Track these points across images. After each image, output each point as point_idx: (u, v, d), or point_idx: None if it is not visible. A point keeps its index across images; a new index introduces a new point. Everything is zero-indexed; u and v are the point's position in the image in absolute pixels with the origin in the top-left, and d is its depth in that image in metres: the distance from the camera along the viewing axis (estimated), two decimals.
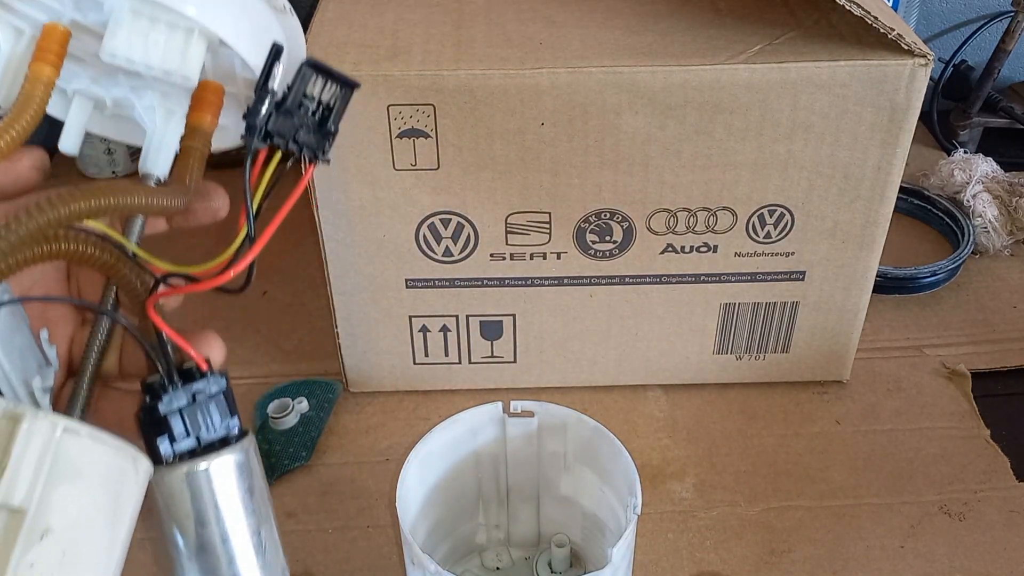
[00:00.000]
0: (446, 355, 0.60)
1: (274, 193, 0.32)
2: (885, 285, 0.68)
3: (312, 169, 0.32)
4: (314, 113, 0.31)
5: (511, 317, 0.58)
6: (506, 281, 0.56)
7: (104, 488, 0.28)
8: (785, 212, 0.54)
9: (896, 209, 0.55)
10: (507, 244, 0.54)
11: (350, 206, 0.53)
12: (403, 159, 0.51)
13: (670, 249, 0.55)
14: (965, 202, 0.74)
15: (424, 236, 0.54)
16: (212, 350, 0.32)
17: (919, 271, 0.69)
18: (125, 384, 0.34)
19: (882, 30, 0.47)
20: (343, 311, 0.57)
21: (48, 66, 0.30)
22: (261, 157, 0.31)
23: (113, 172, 0.83)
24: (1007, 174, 0.76)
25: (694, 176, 0.52)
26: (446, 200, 0.53)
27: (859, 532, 0.52)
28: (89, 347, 0.32)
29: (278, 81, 0.31)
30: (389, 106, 0.49)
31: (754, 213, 0.54)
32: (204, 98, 0.32)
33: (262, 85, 0.30)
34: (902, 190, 0.65)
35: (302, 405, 0.59)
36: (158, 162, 0.33)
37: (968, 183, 0.74)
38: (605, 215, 0.53)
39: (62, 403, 0.33)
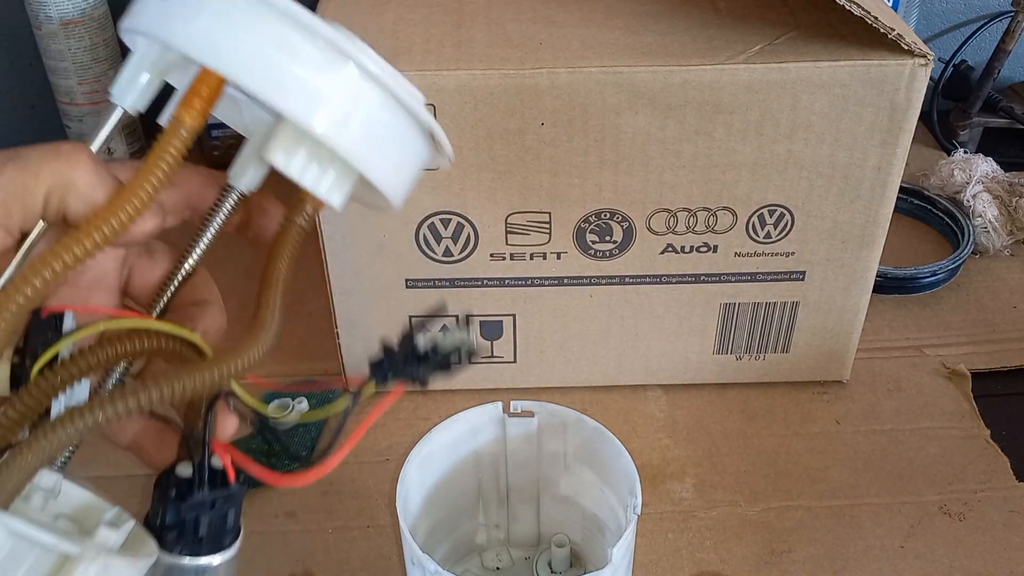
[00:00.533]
0: None
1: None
2: (885, 285, 0.68)
3: (401, 392, 0.34)
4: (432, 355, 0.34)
5: (511, 317, 0.58)
6: (506, 281, 0.56)
7: None
8: (785, 212, 0.54)
9: (896, 209, 0.55)
10: (507, 244, 0.54)
11: (350, 206, 0.52)
12: None
13: (670, 249, 0.55)
14: (965, 202, 0.74)
15: (424, 236, 0.54)
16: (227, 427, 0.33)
17: (919, 271, 0.69)
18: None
19: (882, 30, 0.47)
20: (343, 311, 0.57)
21: (193, 114, 0.29)
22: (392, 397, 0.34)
23: None
24: (1007, 174, 0.76)
25: (694, 176, 0.52)
26: (446, 200, 0.53)
27: (859, 532, 0.52)
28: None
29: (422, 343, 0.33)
30: None
31: (754, 213, 0.54)
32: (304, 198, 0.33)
33: (409, 350, 0.33)
34: (902, 190, 0.65)
35: (302, 405, 0.59)
36: (245, 177, 0.32)
37: (968, 183, 0.74)
38: (605, 215, 0.53)
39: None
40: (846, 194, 0.53)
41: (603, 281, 0.56)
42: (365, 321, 0.58)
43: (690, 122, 0.50)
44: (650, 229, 0.54)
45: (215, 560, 0.31)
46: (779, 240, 0.55)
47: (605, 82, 0.49)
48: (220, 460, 0.31)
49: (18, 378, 0.29)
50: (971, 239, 0.71)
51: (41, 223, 0.30)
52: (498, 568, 0.51)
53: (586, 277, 0.56)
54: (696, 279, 0.56)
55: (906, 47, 0.48)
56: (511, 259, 0.55)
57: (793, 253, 0.55)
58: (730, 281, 0.56)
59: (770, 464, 0.56)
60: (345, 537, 0.53)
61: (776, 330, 0.59)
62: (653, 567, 0.50)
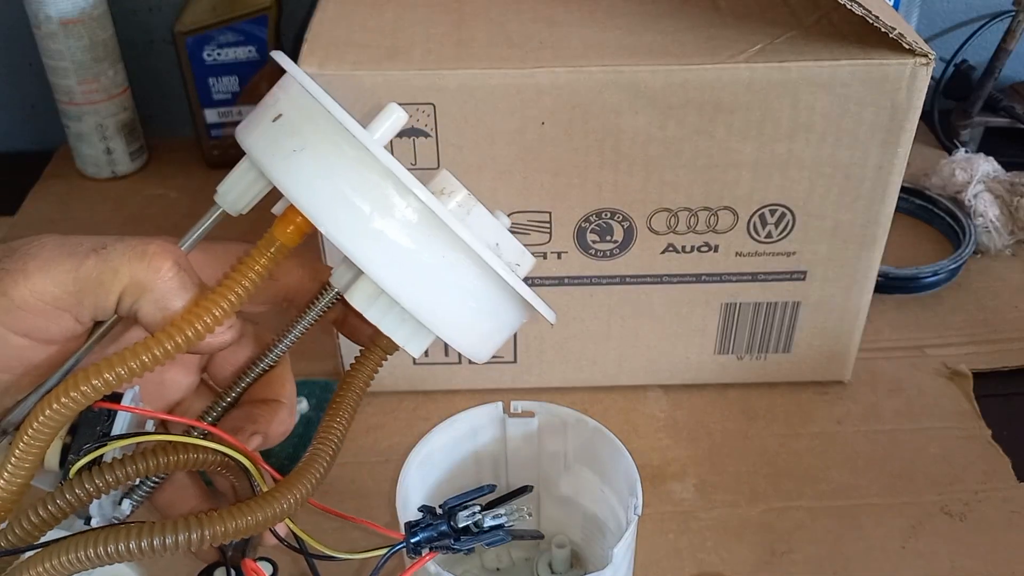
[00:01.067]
0: (446, 355, 0.59)
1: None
2: (886, 285, 0.68)
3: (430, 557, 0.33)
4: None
5: None
6: None
7: None
8: (786, 212, 0.53)
9: (897, 209, 0.55)
10: None
11: None
12: (403, 159, 0.51)
13: (671, 249, 0.55)
14: (966, 202, 0.74)
15: None
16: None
17: (920, 271, 0.68)
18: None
19: (883, 29, 0.47)
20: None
21: (287, 235, 0.30)
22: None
23: (113, 172, 0.83)
24: (1008, 174, 0.76)
25: (695, 176, 0.52)
26: None
27: (860, 532, 0.52)
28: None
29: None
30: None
31: (755, 213, 0.53)
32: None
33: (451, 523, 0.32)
34: (903, 190, 0.65)
35: (302, 405, 0.59)
36: (346, 279, 0.32)
37: (969, 183, 0.74)
38: (606, 215, 0.53)
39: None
40: (847, 194, 0.53)
41: (603, 281, 0.56)
42: None
43: (691, 122, 0.50)
44: (651, 229, 0.54)
45: None
46: (780, 240, 0.55)
47: (605, 82, 0.48)
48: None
49: (66, 459, 0.29)
50: (972, 239, 0.71)
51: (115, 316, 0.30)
52: (498, 568, 0.51)
53: (586, 277, 0.56)
54: (697, 279, 0.56)
55: (907, 46, 0.48)
56: None
57: (794, 253, 0.55)
58: (731, 281, 0.56)
59: (771, 464, 0.56)
60: (345, 537, 0.52)
61: (777, 330, 0.59)
62: (653, 567, 0.50)
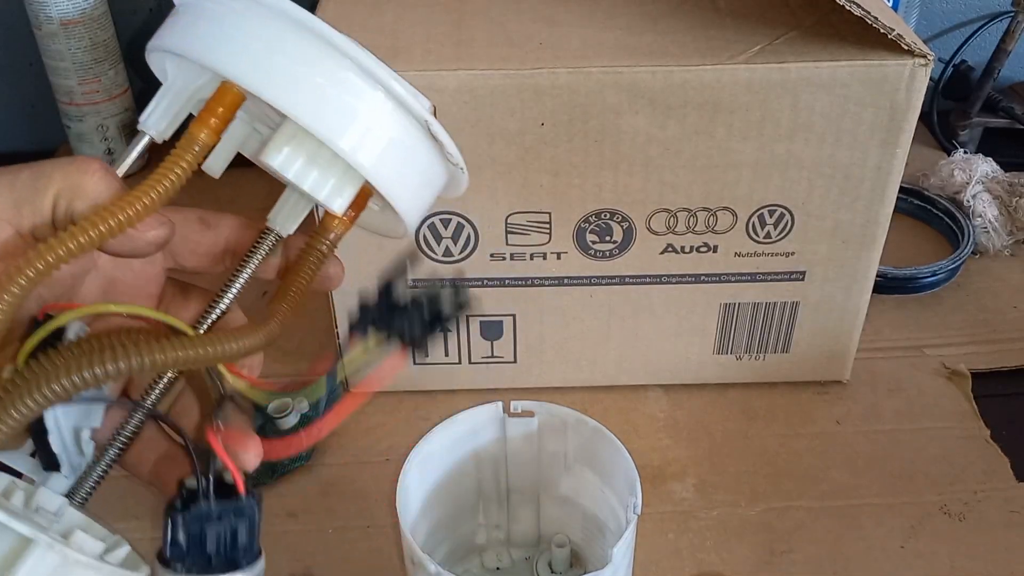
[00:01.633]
0: (446, 355, 0.59)
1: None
2: (885, 285, 0.68)
3: (403, 360, 0.32)
4: (425, 317, 0.32)
5: (511, 317, 0.58)
6: (506, 281, 0.56)
7: None
8: (785, 212, 0.53)
9: (896, 209, 0.55)
10: (507, 244, 0.54)
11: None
12: None
13: (670, 249, 0.55)
14: (965, 202, 0.74)
15: (424, 236, 0.54)
16: (249, 455, 0.33)
17: (919, 271, 0.69)
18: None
19: (882, 30, 0.47)
20: (343, 311, 0.57)
21: (207, 131, 0.30)
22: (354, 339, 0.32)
23: None
24: (1007, 174, 0.76)
25: (694, 176, 0.52)
26: (446, 200, 0.52)
27: (859, 532, 0.52)
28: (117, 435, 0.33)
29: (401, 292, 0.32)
30: None
31: (754, 213, 0.53)
32: (326, 225, 0.32)
33: (386, 301, 0.31)
34: (902, 190, 0.65)
35: (302, 405, 0.59)
36: (287, 223, 0.33)
37: (968, 183, 0.74)
38: (605, 215, 0.53)
39: (108, 425, 0.33)
40: (846, 194, 0.53)
41: (603, 281, 0.56)
42: None
43: (690, 122, 0.50)
44: (650, 229, 0.54)
45: None
46: (779, 240, 0.55)
47: (605, 82, 0.49)
48: (231, 475, 0.31)
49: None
50: (971, 239, 0.71)
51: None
52: (498, 568, 0.51)
53: (586, 277, 0.56)
54: (696, 279, 0.56)
55: (906, 47, 0.48)
56: (511, 259, 0.55)
57: (793, 253, 0.55)
58: (730, 281, 0.56)
59: (770, 464, 0.56)
60: (345, 537, 0.53)
61: (776, 330, 0.59)
62: (653, 567, 0.50)
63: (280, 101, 0.29)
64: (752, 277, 0.56)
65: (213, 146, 0.30)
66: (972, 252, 0.71)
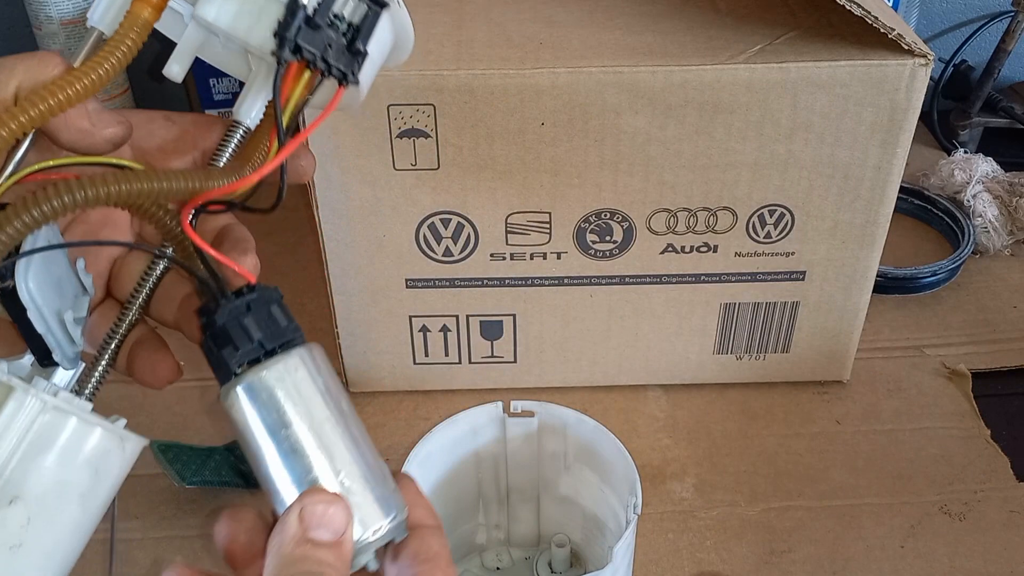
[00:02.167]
0: (446, 355, 0.60)
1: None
2: (885, 285, 0.68)
3: (342, 92, 0.32)
4: (344, 34, 0.31)
5: (511, 317, 0.58)
6: (506, 281, 0.56)
7: (84, 466, 0.28)
8: (785, 212, 0.53)
9: (896, 209, 0.55)
10: (507, 244, 0.54)
11: (350, 206, 0.53)
12: (403, 159, 0.51)
13: (670, 249, 0.55)
14: (965, 202, 0.74)
15: (424, 236, 0.54)
16: (245, 264, 0.33)
17: (919, 271, 0.69)
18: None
19: (882, 30, 0.47)
20: (343, 311, 0.57)
21: (149, 8, 0.30)
22: (292, 70, 0.31)
23: None
24: (1007, 174, 0.76)
25: (694, 176, 0.52)
26: (446, 200, 0.53)
27: (859, 532, 0.52)
28: (139, 287, 0.33)
29: None
30: (389, 106, 0.49)
31: (754, 213, 0.53)
32: (290, 72, 0.32)
33: (295, 12, 0.30)
34: (902, 190, 0.65)
35: None
36: (251, 111, 0.33)
37: (968, 183, 0.74)
38: (605, 215, 0.53)
39: (100, 325, 0.33)
40: (846, 194, 0.53)
41: (603, 281, 0.56)
42: (365, 321, 0.58)
43: (690, 122, 0.50)
44: (650, 229, 0.54)
45: (269, 367, 0.29)
46: (779, 240, 0.55)
47: (605, 82, 0.49)
48: (240, 276, 0.31)
49: None
50: (971, 239, 0.71)
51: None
52: (498, 568, 0.51)
53: (586, 277, 0.56)
54: (696, 279, 0.56)
55: (906, 47, 0.48)
56: (511, 259, 0.55)
57: (793, 253, 0.55)
58: (730, 281, 0.56)
59: (770, 464, 0.56)
60: None
61: (776, 330, 0.59)
62: (653, 567, 0.50)
63: None
64: (752, 277, 0.56)
65: (152, 24, 0.30)
66: (972, 252, 0.71)
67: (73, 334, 0.32)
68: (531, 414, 0.46)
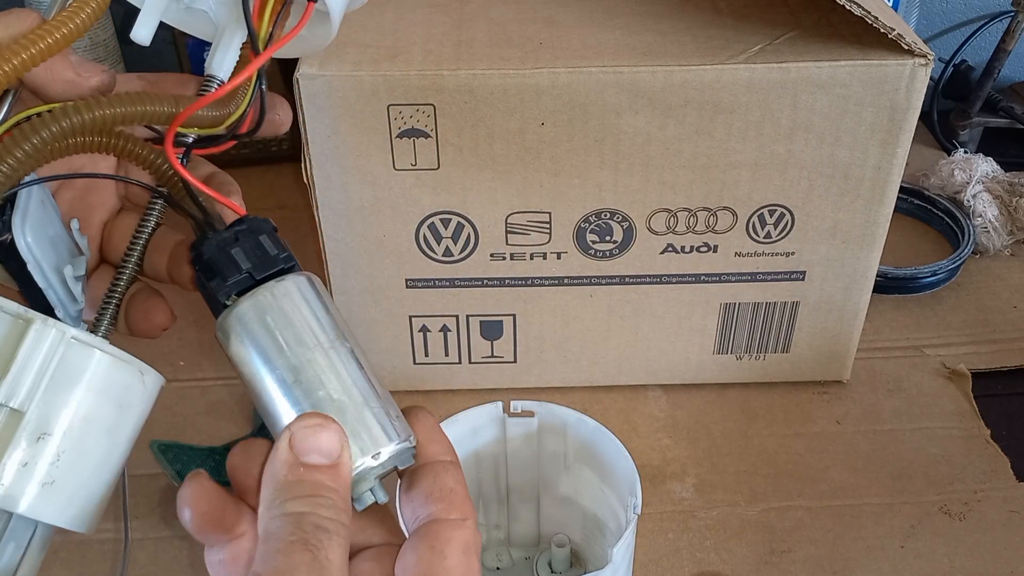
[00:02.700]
0: (446, 355, 0.60)
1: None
2: (885, 285, 0.68)
3: (312, 8, 0.32)
4: None
5: (511, 317, 0.58)
6: (506, 281, 0.56)
7: (107, 399, 0.28)
8: (785, 212, 0.53)
9: (896, 209, 0.55)
10: (507, 244, 0.54)
11: (350, 206, 0.53)
12: (403, 159, 0.51)
13: (670, 249, 0.55)
14: (965, 202, 0.74)
15: (424, 236, 0.54)
16: (226, 210, 0.33)
17: (919, 271, 0.69)
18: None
19: (882, 30, 0.47)
20: (343, 311, 0.57)
21: None
22: None
23: None
24: (1007, 174, 0.76)
25: (694, 176, 0.52)
26: (446, 200, 0.53)
27: (859, 532, 0.52)
28: (133, 243, 0.33)
29: None
30: (389, 106, 0.49)
31: (754, 213, 0.53)
32: (266, 4, 0.32)
33: None
34: (902, 190, 0.65)
35: None
36: (223, 64, 0.33)
37: (968, 183, 0.74)
38: (605, 215, 0.53)
39: (96, 288, 0.34)
40: (846, 194, 0.53)
41: (603, 281, 0.56)
42: (365, 321, 0.58)
43: (690, 122, 0.50)
44: (650, 229, 0.54)
45: (263, 291, 0.29)
46: (779, 240, 0.55)
47: (605, 82, 0.49)
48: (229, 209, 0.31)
49: None
50: (971, 239, 0.71)
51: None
52: (498, 568, 0.51)
53: (586, 277, 0.56)
54: (696, 279, 0.56)
55: (906, 47, 0.48)
56: (511, 259, 0.55)
57: (793, 253, 0.55)
58: (730, 281, 0.56)
59: (770, 464, 0.56)
60: None
61: (776, 330, 0.59)
62: (653, 567, 0.50)
63: None
64: (752, 277, 0.56)
65: None
66: (972, 252, 0.71)
67: (74, 290, 0.32)
68: (531, 414, 0.46)
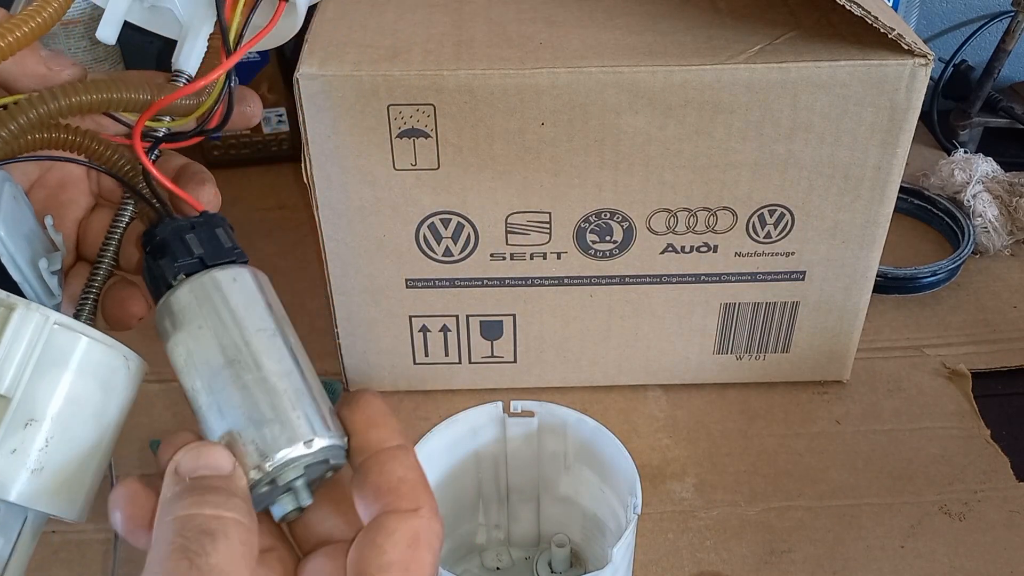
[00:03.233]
0: (446, 355, 0.60)
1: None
2: (885, 285, 0.68)
3: (283, 7, 0.33)
4: None
5: (511, 317, 0.58)
6: (506, 281, 0.56)
7: (93, 383, 0.28)
8: (785, 212, 0.53)
9: (896, 209, 0.55)
10: (507, 244, 0.54)
11: (350, 206, 0.53)
12: (403, 159, 0.51)
13: (670, 249, 0.55)
14: (965, 202, 0.74)
15: (424, 236, 0.54)
16: (202, 195, 0.33)
17: (919, 271, 0.69)
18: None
19: (882, 30, 0.47)
20: (343, 311, 0.57)
21: None
22: None
23: None
24: (1007, 174, 0.76)
25: (694, 176, 0.52)
26: (446, 200, 0.53)
27: (859, 532, 0.52)
28: (109, 237, 0.33)
29: None
30: (389, 106, 0.49)
31: (754, 213, 0.54)
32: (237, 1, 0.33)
33: None
34: (902, 190, 0.65)
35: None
36: (190, 58, 0.34)
37: (968, 183, 0.74)
38: (605, 215, 0.53)
39: (74, 286, 0.34)
40: (846, 194, 0.53)
41: (603, 281, 0.56)
42: (365, 321, 0.58)
43: (690, 122, 0.50)
44: (650, 229, 0.54)
45: (209, 273, 0.29)
46: (779, 240, 0.55)
47: (605, 82, 0.49)
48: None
49: None
50: (971, 239, 0.71)
51: None
52: (498, 568, 0.51)
53: (586, 277, 0.56)
54: (696, 279, 0.56)
55: (906, 47, 0.48)
56: (511, 259, 0.55)
57: (793, 253, 0.55)
58: (730, 281, 0.56)
59: (770, 464, 0.56)
60: None
61: (776, 330, 0.59)
62: (653, 567, 0.50)
63: None
64: (752, 277, 0.56)
65: None
66: (972, 252, 0.71)
67: (50, 284, 0.32)
68: (531, 414, 0.46)
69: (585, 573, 0.39)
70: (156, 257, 0.30)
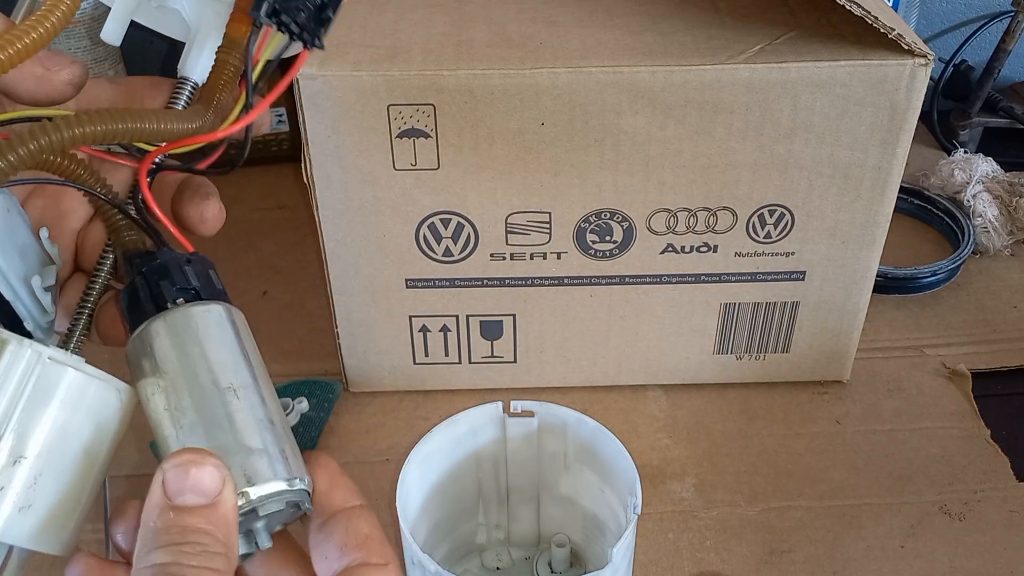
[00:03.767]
0: (446, 355, 0.60)
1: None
2: (885, 285, 0.68)
3: (306, 55, 0.33)
4: (313, 2, 0.32)
5: (511, 317, 0.58)
6: (506, 281, 0.56)
7: (84, 418, 0.28)
8: (785, 212, 0.54)
9: (896, 209, 0.55)
10: (507, 244, 0.54)
11: (350, 206, 0.53)
12: (403, 159, 0.51)
13: (670, 249, 0.55)
14: (965, 202, 0.74)
15: (424, 236, 0.54)
16: (207, 210, 0.33)
17: (919, 271, 0.69)
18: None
19: (882, 30, 0.47)
20: (343, 311, 0.57)
21: None
22: (266, 35, 0.32)
23: None
24: (1007, 174, 0.76)
25: (694, 176, 0.52)
26: (446, 200, 0.53)
27: (859, 532, 0.52)
28: (105, 251, 0.33)
29: None
30: (389, 106, 0.49)
31: (754, 213, 0.54)
32: (244, 9, 0.32)
33: None
34: (902, 190, 0.65)
35: (302, 405, 0.59)
36: (196, 66, 0.33)
37: (968, 183, 0.74)
38: (605, 215, 0.53)
39: (70, 297, 0.34)
40: (846, 194, 0.53)
41: (603, 281, 0.56)
42: (365, 321, 0.58)
43: (690, 122, 0.50)
44: (650, 229, 0.54)
45: (191, 307, 0.29)
46: (779, 240, 0.55)
47: (605, 82, 0.49)
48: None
49: None
50: (971, 239, 0.71)
51: None
52: (498, 568, 0.51)
53: (586, 277, 0.56)
54: (696, 279, 0.56)
55: (906, 47, 0.48)
56: (511, 259, 0.55)
57: (793, 253, 0.55)
58: (730, 281, 0.56)
59: (770, 464, 0.56)
60: None
61: (776, 330, 0.59)
62: (653, 567, 0.50)
63: None
64: (752, 277, 0.56)
65: None
66: (972, 252, 0.71)
67: (43, 301, 0.31)
68: (531, 414, 0.46)
69: (585, 573, 0.39)
70: (156, 276, 0.30)
